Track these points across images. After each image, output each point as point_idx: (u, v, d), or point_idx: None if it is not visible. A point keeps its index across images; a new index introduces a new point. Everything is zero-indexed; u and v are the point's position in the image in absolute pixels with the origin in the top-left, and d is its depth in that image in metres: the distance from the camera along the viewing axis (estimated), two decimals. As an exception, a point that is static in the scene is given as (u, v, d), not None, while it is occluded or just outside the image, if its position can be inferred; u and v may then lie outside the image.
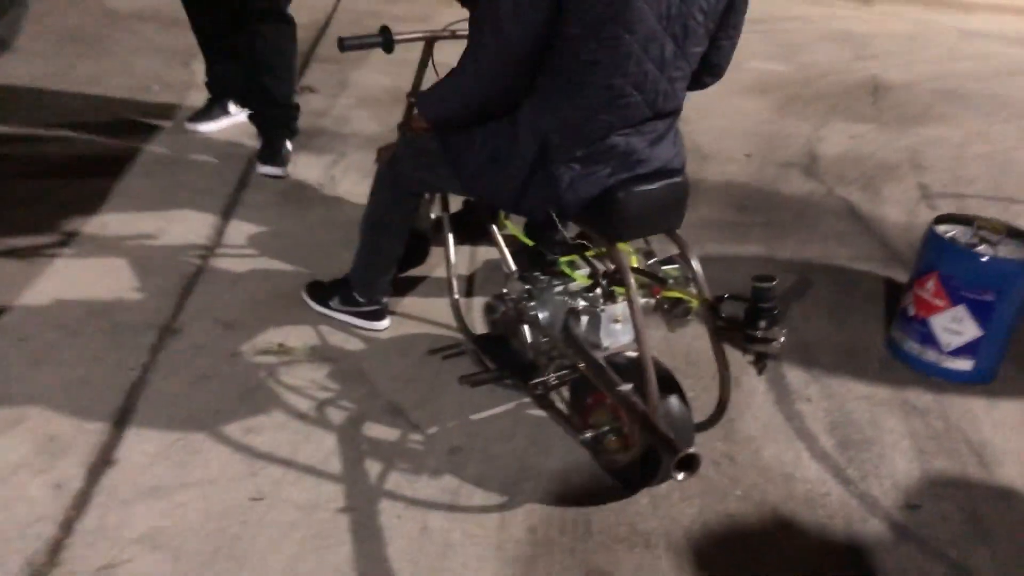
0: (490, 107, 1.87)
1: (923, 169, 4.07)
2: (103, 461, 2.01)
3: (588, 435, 2.01)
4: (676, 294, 2.08)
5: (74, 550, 1.79)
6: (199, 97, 3.74)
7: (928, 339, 2.60)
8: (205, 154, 3.43)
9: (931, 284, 2.58)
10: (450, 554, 1.88)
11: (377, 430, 2.19)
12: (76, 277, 2.62)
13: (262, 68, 3.21)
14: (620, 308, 2.07)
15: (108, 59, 4.18)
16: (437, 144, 2.07)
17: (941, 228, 2.63)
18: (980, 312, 2.53)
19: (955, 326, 2.56)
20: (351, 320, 2.53)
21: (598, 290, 2.11)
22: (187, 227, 2.92)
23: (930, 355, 2.61)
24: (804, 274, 3.11)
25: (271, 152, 3.31)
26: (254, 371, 2.34)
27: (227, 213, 3.04)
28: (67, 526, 1.84)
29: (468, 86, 1.86)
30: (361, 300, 2.50)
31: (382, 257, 2.40)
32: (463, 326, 2.40)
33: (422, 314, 2.63)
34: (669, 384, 2.00)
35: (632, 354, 2.05)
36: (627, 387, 1.88)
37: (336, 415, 2.22)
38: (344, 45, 2.16)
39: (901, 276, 3.07)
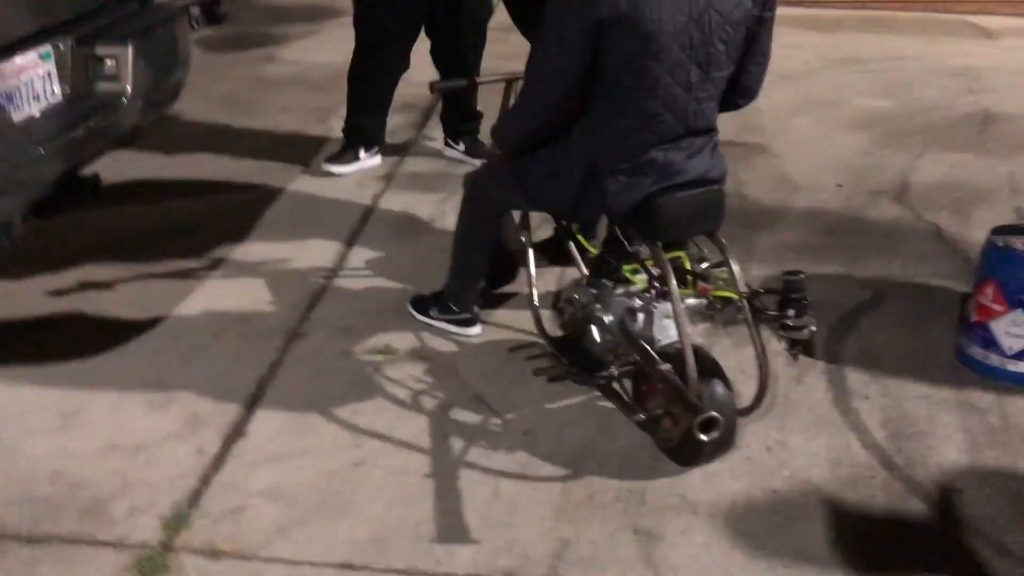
0: (546, 131, 2.22)
1: (1022, 194, 4.12)
2: (236, 433, 2.43)
3: (643, 416, 2.29)
4: (722, 293, 2.33)
5: (210, 498, 2.20)
6: (337, 148, 4.26)
7: (991, 343, 2.72)
8: (336, 193, 3.91)
9: (990, 290, 2.71)
10: (516, 512, 2.18)
11: (462, 415, 2.52)
12: (222, 293, 3.10)
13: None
14: (665, 304, 2.34)
15: (259, 117, 4.78)
16: (508, 167, 2.43)
17: (999, 237, 2.76)
18: (1038, 315, 2.64)
19: (1015, 330, 2.68)
20: (447, 327, 2.88)
21: (652, 291, 2.39)
22: (316, 253, 3.37)
23: (993, 359, 2.73)
24: (881, 290, 3.26)
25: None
26: (363, 367, 2.72)
27: (350, 241, 3.48)
28: (205, 480, 2.26)
29: (527, 115, 2.21)
30: (455, 309, 2.86)
31: (470, 270, 2.76)
32: (542, 330, 2.71)
33: (510, 323, 2.95)
34: (713, 370, 2.25)
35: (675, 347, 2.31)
36: (667, 366, 2.15)
37: (428, 402, 2.57)
38: (433, 88, 2.56)
39: (977, 290, 3.18)
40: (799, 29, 7.00)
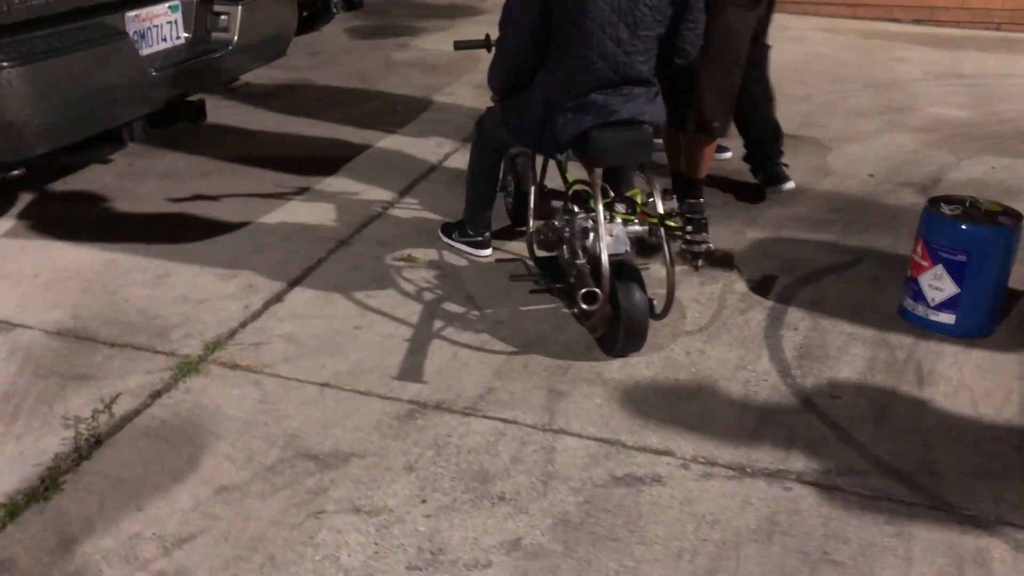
0: (517, 77, 2.83)
1: (1051, 196, 4.32)
2: (275, 299, 3.17)
3: (575, 309, 2.85)
4: (652, 220, 2.86)
5: (242, 335, 2.94)
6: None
7: (919, 296, 3.10)
8: (415, 150, 4.64)
9: (919, 248, 3.09)
10: (463, 369, 2.79)
11: (452, 307, 3.15)
12: (299, 211, 3.88)
13: None
14: (614, 226, 2.88)
15: (377, 89, 5.62)
16: (499, 109, 3.05)
17: (935, 205, 3.13)
18: (955, 271, 3.00)
19: (937, 283, 3.04)
20: (463, 247, 3.52)
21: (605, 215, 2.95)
22: (382, 191, 4.10)
23: (920, 310, 3.10)
24: (860, 257, 3.64)
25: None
26: (387, 268, 3.41)
27: (411, 185, 4.19)
28: (243, 324, 3.00)
29: (500, 63, 2.84)
30: (471, 233, 3.50)
31: (479, 200, 3.38)
32: (531, 252, 3.30)
33: (520, 251, 3.56)
34: (633, 277, 2.78)
35: (621, 259, 2.85)
36: (582, 262, 2.71)
37: (428, 296, 3.22)
38: (456, 45, 3.21)
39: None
40: (916, 46, 7.20)
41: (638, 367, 2.84)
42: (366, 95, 5.52)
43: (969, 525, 2.22)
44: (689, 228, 2.71)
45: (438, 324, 3.04)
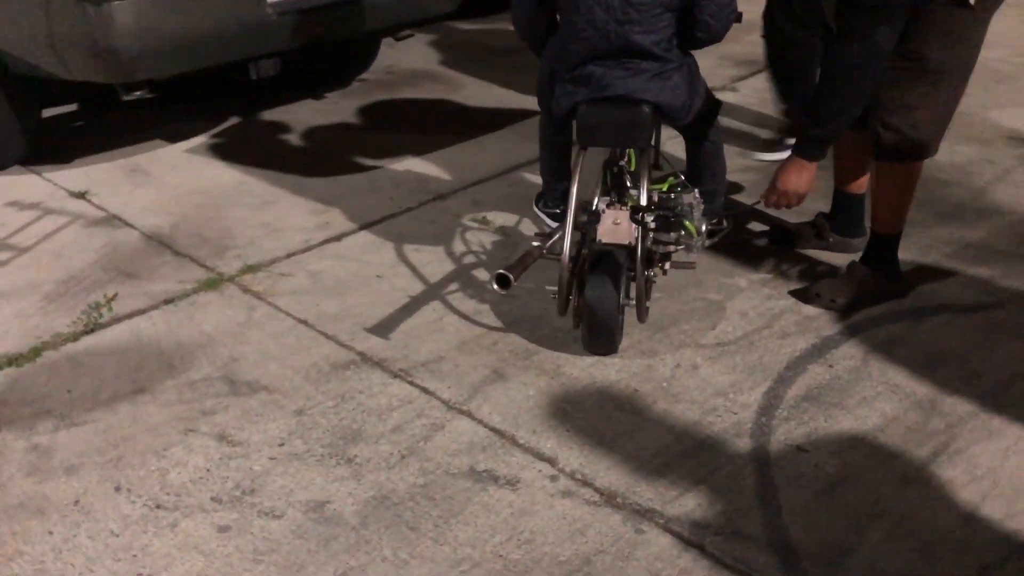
0: (529, 36, 2.69)
1: None
2: (336, 238, 3.35)
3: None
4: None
5: (280, 265, 3.16)
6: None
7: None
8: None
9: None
10: (434, 335, 2.77)
11: (479, 272, 3.10)
12: (427, 165, 4.00)
13: None
14: (620, 214, 2.62)
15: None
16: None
17: None
18: None
19: None
20: (542, 217, 3.42)
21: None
22: (503, 159, 4.03)
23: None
24: (1006, 301, 2.95)
25: None
26: (458, 225, 3.43)
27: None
28: (289, 255, 3.22)
29: (517, 29, 2.71)
30: (549, 204, 3.39)
31: (545, 167, 3.25)
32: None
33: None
34: (609, 270, 2.54)
35: (610, 250, 2.61)
36: (537, 243, 2.53)
37: (469, 258, 3.19)
38: None
39: None
40: None
41: (607, 369, 2.61)
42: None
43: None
44: (655, 225, 2.39)
45: (452, 287, 3.02)
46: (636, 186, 2.63)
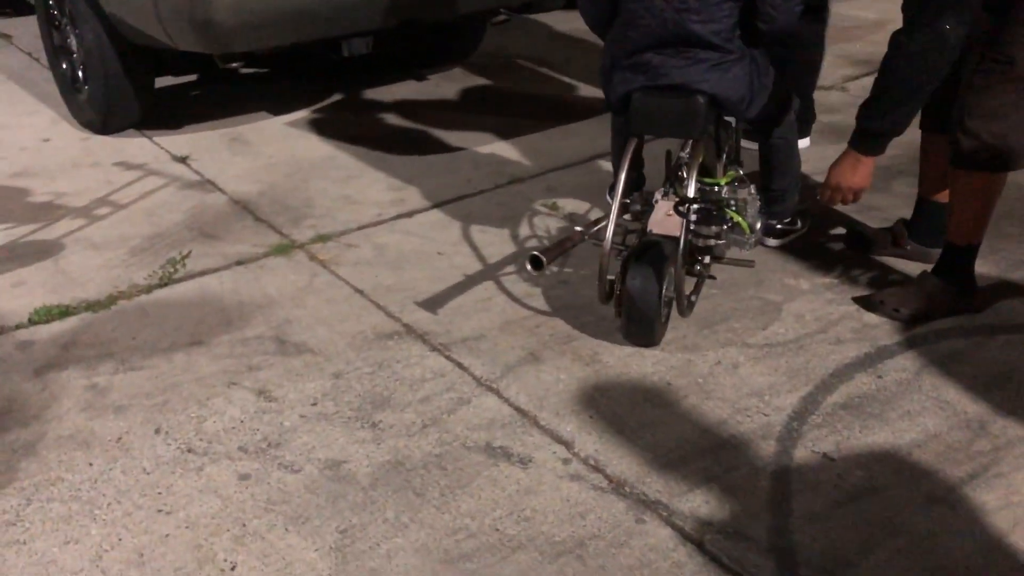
0: (594, 21, 2.68)
1: None
2: (407, 214, 3.44)
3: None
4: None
5: (349, 236, 3.28)
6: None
7: None
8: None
9: None
10: (480, 314, 2.82)
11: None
12: (510, 148, 4.05)
13: None
14: (670, 204, 2.60)
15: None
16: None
17: None
18: None
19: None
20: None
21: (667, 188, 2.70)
22: (590, 145, 4.04)
23: None
24: None
25: None
26: (526, 209, 3.46)
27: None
28: (361, 228, 3.33)
29: (583, 14, 2.70)
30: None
31: (614, 161, 3.23)
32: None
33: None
34: (654, 262, 2.52)
35: (657, 240, 2.59)
36: (578, 229, 2.54)
37: (532, 242, 3.23)
38: None
39: None
40: None
41: (644, 360, 2.59)
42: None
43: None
44: (695, 217, 2.34)
45: (507, 269, 3.06)
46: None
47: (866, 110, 2.50)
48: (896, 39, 2.41)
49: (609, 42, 2.61)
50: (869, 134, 2.50)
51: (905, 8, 2.40)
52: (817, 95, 4.61)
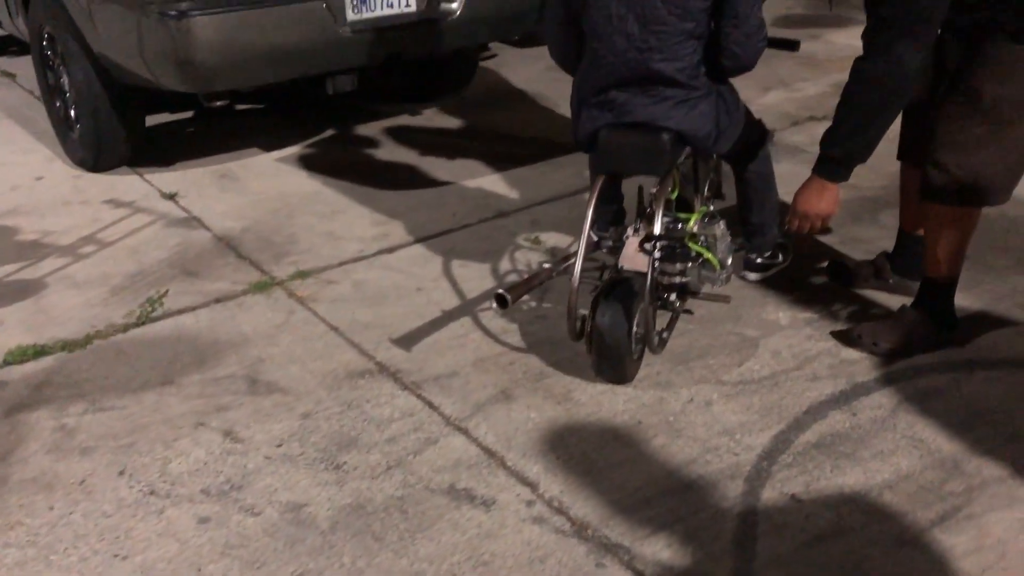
0: (561, 59, 2.68)
1: None
2: (389, 250, 3.44)
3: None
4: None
5: (330, 273, 3.28)
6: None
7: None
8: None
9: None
10: (454, 351, 2.80)
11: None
12: (498, 182, 4.05)
13: None
14: (636, 238, 2.60)
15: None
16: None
17: None
18: None
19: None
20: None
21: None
22: (572, 185, 4.03)
23: None
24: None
25: None
26: (509, 244, 3.46)
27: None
28: (340, 264, 3.34)
29: (549, 46, 2.70)
30: (601, 228, 3.35)
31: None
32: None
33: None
34: (622, 300, 2.50)
35: (628, 278, 2.57)
36: (548, 266, 2.53)
37: (512, 277, 3.22)
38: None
39: None
40: None
41: (616, 398, 2.56)
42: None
43: None
44: (658, 255, 2.32)
45: (486, 304, 3.05)
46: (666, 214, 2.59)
47: (828, 136, 2.49)
48: (856, 65, 2.40)
49: (577, 80, 2.61)
50: (831, 160, 2.48)
51: (864, 34, 2.39)
52: (809, 126, 4.63)
